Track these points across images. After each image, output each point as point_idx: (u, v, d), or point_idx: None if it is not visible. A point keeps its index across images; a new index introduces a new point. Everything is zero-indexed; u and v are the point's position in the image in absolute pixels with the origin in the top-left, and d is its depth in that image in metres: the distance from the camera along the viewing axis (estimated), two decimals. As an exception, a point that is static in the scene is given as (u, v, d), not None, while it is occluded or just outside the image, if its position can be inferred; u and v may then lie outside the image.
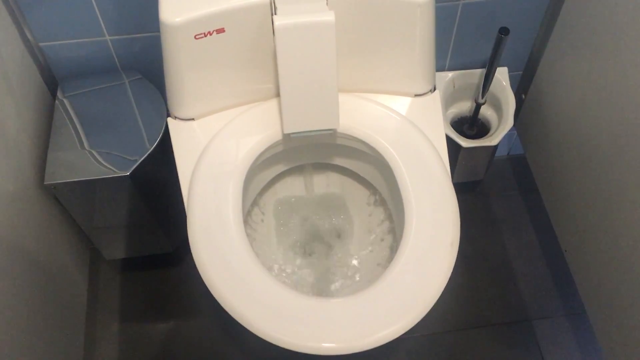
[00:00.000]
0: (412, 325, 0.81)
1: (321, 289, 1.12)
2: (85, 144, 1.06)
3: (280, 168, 1.10)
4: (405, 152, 0.95)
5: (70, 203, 1.11)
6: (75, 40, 1.09)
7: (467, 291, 1.36)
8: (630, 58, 0.92)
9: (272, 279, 0.84)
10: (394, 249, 1.10)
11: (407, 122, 0.98)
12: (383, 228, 1.15)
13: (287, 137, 0.98)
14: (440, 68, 1.26)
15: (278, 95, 1.00)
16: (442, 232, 0.88)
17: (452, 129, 1.26)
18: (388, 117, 0.99)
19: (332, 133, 0.98)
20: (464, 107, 1.34)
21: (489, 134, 1.30)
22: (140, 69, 1.15)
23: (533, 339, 1.30)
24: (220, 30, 0.89)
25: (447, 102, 1.30)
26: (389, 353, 1.28)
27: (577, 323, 1.32)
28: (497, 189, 1.51)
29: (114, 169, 1.03)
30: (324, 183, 1.19)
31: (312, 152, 1.09)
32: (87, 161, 1.04)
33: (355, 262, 1.15)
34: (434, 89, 1.04)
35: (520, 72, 1.31)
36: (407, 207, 0.90)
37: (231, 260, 0.86)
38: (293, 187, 1.19)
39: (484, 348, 1.29)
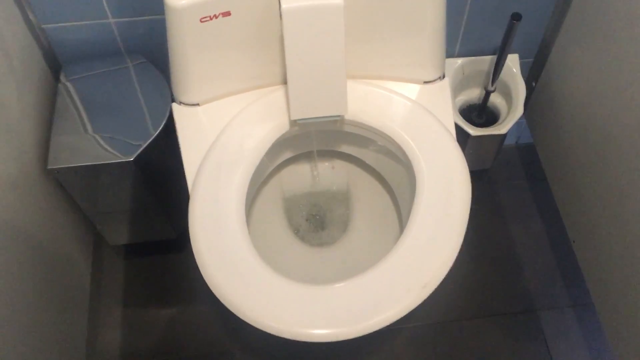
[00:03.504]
0: (404, 314, 0.80)
1: (322, 274, 1.12)
2: (89, 129, 1.05)
3: (287, 155, 1.09)
4: (422, 142, 0.93)
5: (74, 188, 1.10)
6: (79, 23, 1.07)
7: (472, 280, 1.35)
8: (646, 46, 0.90)
9: (269, 269, 0.83)
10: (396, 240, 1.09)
11: (420, 108, 0.96)
12: (387, 217, 1.14)
13: (294, 124, 0.96)
14: (449, 54, 1.24)
15: (285, 80, 0.98)
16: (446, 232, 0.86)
17: (461, 117, 1.24)
18: (399, 103, 0.97)
19: (340, 120, 0.96)
20: (473, 94, 1.32)
21: (498, 122, 1.29)
22: (145, 52, 1.14)
23: (539, 330, 1.29)
24: (226, 14, 0.87)
25: (456, 89, 1.29)
26: (393, 341, 1.27)
27: (583, 314, 1.31)
28: (505, 177, 1.50)
29: (118, 154, 1.02)
30: (331, 170, 1.18)
31: (319, 139, 1.08)
32: (90, 146, 1.03)
33: (358, 249, 1.15)
34: (443, 76, 1.03)
35: (532, 60, 1.29)
36: (418, 197, 0.88)
37: (229, 250, 0.85)
38: (299, 174, 1.18)
39: (489, 338, 1.28)
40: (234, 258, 0.84)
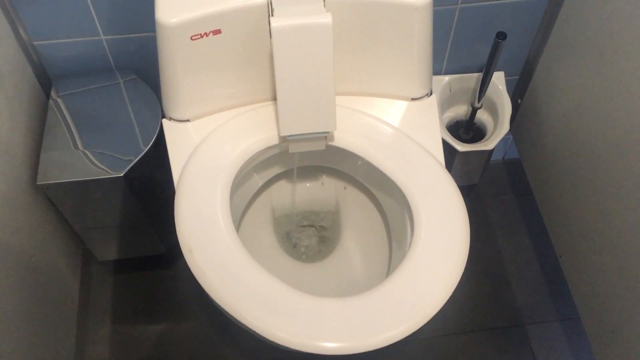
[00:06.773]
0: (410, 332, 0.81)
1: (311, 289, 1.12)
2: (79, 144, 1.06)
3: (276, 170, 1.10)
4: (412, 172, 0.95)
5: (63, 204, 1.10)
6: (70, 40, 1.08)
7: (461, 295, 1.35)
8: (627, 64, 0.92)
9: (271, 277, 0.84)
10: (386, 256, 1.10)
11: (405, 136, 0.98)
12: (377, 233, 1.14)
13: (283, 140, 0.97)
14: (436, 72, 1.26)
15: (274, 97, 0.99)
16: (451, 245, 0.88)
17: (448, 133, 1.26)
18: (384, 131, 0.99)
19: (327, 149, 0.98)
20: (460, 111, 1.34)
21: (485, 139, 1.30)
22: (135, 69, 1.15)
23: (526, 344, 1.30)
24: (216, 32, 0.88)
25: (444, 106, 1.30)
26: (383, 357, 1.27)
27: (570, 328, 1.32)
28: (492, 193, 1.51)
29: (108, 170, 1.03)
30: (320, 186, 1.19)
31: (308, 155, 1.08)
32: (80, 161, 1.03)
33: (348, 265, 1.15)
34: (431, 93, 1.04)
35: (517, 77, 1.31)
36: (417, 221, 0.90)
37: (226, 260, 0.85)
38: (289, 190, 1.18)
39: (478, 352, 1.29)
40: (236, 270, 0.84)
